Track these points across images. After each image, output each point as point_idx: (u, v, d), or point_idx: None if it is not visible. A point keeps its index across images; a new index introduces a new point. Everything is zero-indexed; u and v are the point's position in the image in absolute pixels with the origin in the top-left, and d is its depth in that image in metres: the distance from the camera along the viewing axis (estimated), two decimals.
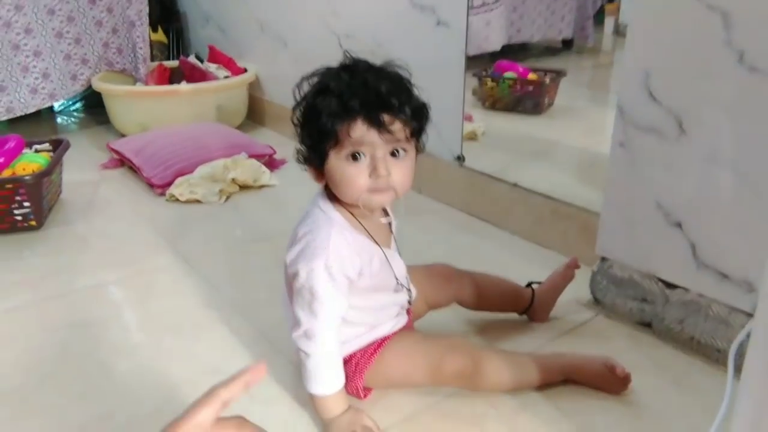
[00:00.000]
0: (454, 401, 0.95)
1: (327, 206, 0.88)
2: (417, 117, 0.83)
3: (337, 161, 0.82)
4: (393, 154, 0.83)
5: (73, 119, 2.71)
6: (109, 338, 1.13)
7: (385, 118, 0.79)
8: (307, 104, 0.83)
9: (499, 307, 1.15)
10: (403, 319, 1.00)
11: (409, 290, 0.98)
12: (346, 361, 0.94)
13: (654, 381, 0.99)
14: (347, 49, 0.86)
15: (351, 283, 0.87)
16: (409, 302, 0.99)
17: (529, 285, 1.16)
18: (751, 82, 0.90)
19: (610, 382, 0.96)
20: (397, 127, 0.80)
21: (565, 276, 1.15)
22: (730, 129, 0.94)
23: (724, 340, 1.00)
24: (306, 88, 0.84)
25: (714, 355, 1.02)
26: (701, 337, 1.03)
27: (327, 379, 0.88)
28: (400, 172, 0.83)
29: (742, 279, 0.97)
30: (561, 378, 0.98)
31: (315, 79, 0.83)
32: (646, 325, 1.12)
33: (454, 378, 0.93)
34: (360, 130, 0.79)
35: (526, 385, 0.97)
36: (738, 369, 0.87)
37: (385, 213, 0.95)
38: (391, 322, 0.97)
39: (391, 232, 0.97)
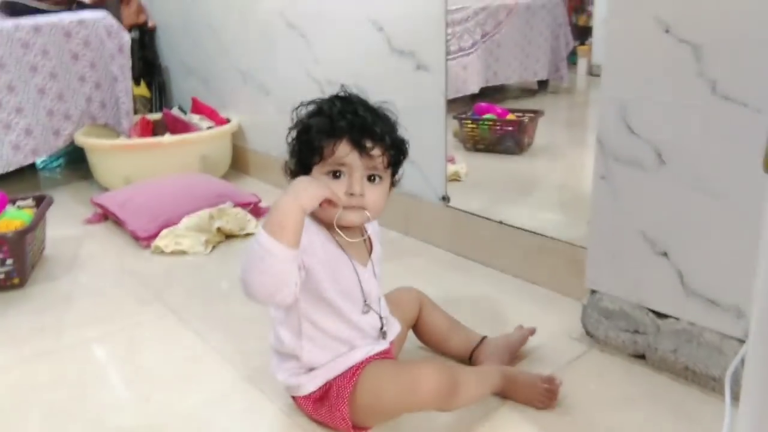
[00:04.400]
0: None
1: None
2: (396, 148, 0.93)
3: (318, 175, 0.90)
4: (370, 179, 0.91)
5: (55, 175, 2.69)
6: (96, 397, 1.10)
7: (368, 143, 0.88)
8: (301, 123, 0.92)
9: (439, 342, 1.15)
10: (383, 345, 1.00)
11: (381, 316, 0.99)
12: (327, 390, 0.94)
13: (651, 413, 0.99)
14: (344, 84, 0.96)
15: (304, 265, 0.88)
16: (382, 328, 0.99)
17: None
18: (724, 110, 0.93)
19: (539, 391, 1.00)
20: (377, 153, 0.89)
21: (521, 335, 1.15)
22: (708, 157, 0.96)
23: (718, 368, 1.00)
24: (303, 112, 0.94)
25: (710, 384, 1.02)
26: (695, 366, 1.03)
27: (257, 231, 0.85)
28: (373, 195, 0.91)
29: (731, 305, 0.98)
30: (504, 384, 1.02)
31: (312, 106, 0.93)
32: (640, 356, 1.11)
33: (433, 396, 0.89)
34: (344, 149, 0.88)
35: (492, 392, 1.01)
36: (735, 396, 0.87)
37: (362, 234, 0.99)
38: (369, 346, 0.97)
39: (370, 256, 0.99)
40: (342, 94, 0.93)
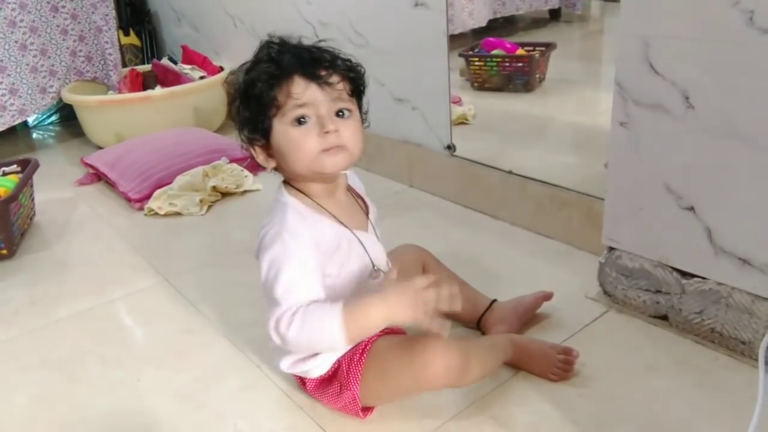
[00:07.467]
0: (459, 424, 0.87)
1: (284, 195, 0.86)
2: (353, 71, 0.83)
3: (282, 128, 0.80)
4: (338, 114, 0.81)
5: (49, 133, 2.61)
6: (86, 375, 1.05)
7: (322, 72, 0.79)
8: (242, 83, 0.82)
9: None
10: None
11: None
12: (336, 369, 0.87)
13: (675, 381, 0.91)
14: (271, 32, 0.85)
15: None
16: None
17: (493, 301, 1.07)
18: (763, 46, 0.80)
19: (554, 362, 0.93)
20: (336, 79, 0.80)
21: (535, 300, 1.06)
22: (742, 100, 0.85)
23: (748, 331, 0.92)
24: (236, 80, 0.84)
25: (739, 348, 0.94)
26: (723, 329, 0.95)
27: (334, 321, 0.76)
28: (348, 130, 0.81)
29: (765, 264, 0.88)
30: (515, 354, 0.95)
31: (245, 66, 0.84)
32: (662, 317, 1.03)
33: (442, 377, 0.81)
34: (299, 86, 0.79)
35: (503, 363, 0.94)
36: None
37: (353, 193, 0.92)
38: None
39: (367, 217, 0.92)
40: (274, 39, 0.83)
